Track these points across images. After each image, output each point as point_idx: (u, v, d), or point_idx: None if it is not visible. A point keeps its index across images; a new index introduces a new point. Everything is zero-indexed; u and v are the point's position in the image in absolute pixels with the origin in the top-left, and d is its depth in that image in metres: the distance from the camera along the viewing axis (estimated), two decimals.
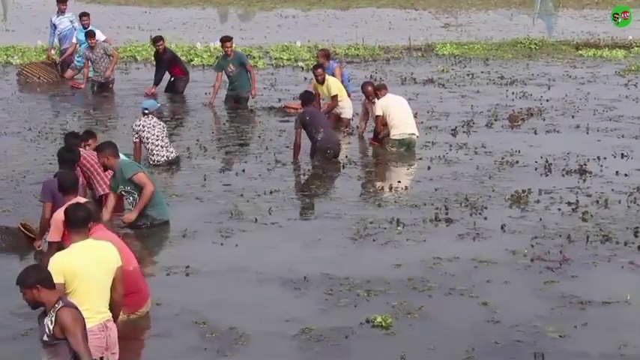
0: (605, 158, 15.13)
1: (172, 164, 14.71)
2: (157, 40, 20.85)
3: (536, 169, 14.58)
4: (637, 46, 27.90)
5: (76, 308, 6.90)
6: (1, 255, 10.95)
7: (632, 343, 8.65)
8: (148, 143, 14.61)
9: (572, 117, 18.48)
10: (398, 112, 15.92)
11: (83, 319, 6.88)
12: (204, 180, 13.90)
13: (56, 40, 22.50)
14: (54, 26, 22.45)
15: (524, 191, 13.15)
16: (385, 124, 15.93)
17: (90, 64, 20.84)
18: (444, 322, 9.12)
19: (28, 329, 8.69)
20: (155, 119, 14.78)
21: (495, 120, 18.09)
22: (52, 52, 22.55)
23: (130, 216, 11.61)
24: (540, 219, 12.12)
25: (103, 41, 21.39)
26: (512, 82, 22.17)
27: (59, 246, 9.28)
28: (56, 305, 6.80)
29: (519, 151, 15.55)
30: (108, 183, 11.98)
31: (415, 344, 8.67)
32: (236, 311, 9.34)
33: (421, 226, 11.88)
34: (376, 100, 16.21)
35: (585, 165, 14.68)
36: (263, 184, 13.71)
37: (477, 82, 22.32)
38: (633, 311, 9.41)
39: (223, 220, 12.10)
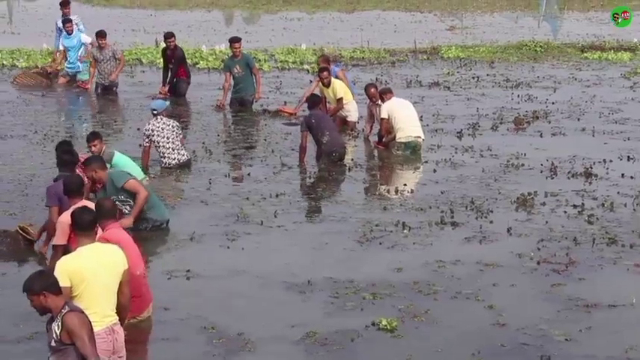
0: (610, 161, 15.12)
1: (184, 167, 14.70)
2: (168, 37, 20.70)
3: (541, 171, 14.58)
4: None
5: (82, 312, 6.90)
6: (3, 258, 10.96)
7: (639, 346, 8.64)
8: (159, 146, 14.60)
9: (578, 119, 18.47)
10: (403, 115, 15.93)
11: (89, 322, 6.87)
12: (210, 183, 13.91)
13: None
14: (59, 30, 22.48)
15: (530, 194, 13.15)
16: (390, 128, 15.93)
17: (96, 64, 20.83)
18: (450, 325, 9.12)
19: (34, 333, 8.70)
20: (165, 119, 14.75)
21: (501, 123, 18.08)
22: (58, 55, 22.57)
23: (126, 222, 11.51)
24: (546, 222, 12.12)
25: (90, 43, 21.46)
26: (517, 85, 22.16)
27: (65, 249, 9.29)
28: (62, 310, 6.80)
29: (525, 154, 15.55)
30: None
31: (421, 347, 8.67)
32: (243, 315, 9.34)
33: (427, 229, 11.88)
34: (381, 103, 16.23)
35: (591, 168, 14.67)
36: (269, 187, 13.71)
37: (482, 84, 22.31)
38: (639, 314, 9.40)
39: (229, 223, 12.11)
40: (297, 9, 40.80)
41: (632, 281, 10.29)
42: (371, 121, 16.94)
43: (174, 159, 14.64)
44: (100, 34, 20.81)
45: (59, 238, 9.75)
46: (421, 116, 16.91)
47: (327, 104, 17.74)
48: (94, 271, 7.56)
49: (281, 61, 25.40)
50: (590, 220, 12.17)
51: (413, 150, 15.81)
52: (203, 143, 16.33)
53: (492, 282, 10.14)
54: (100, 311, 7.52)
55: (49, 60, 23.38)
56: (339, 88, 17.63)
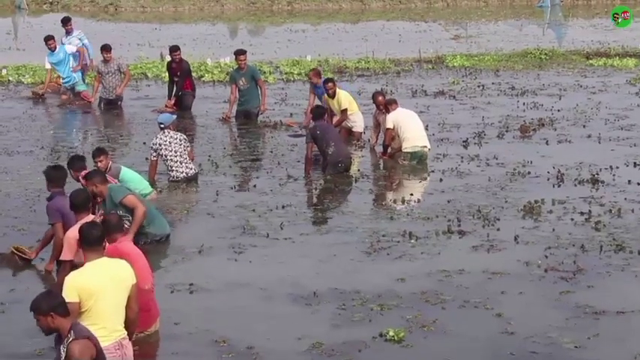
0: (617, 167, 15.11)
1: (191, 180, 14.72)
2: (174, 50, 20.69)
3: (548, 179, 14.57)
4: None
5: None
6: (6, 274, 10.98)
7: None
8: (167, 160, 14.62)
9: (584, 127, 18.46)
10: (409, 125, 15.93)
11: (93, 347, 6.84)
12: (217, 195, 13.92)
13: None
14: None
15: (536, 202, 13.14)
16: (394, 138, 15.94)
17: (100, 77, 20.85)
18: (459, 335, 9.11)
19: (41, 349, 8.71)
20: (172, 133, 14.75)
21: (507, 131, 18.08)
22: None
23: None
24: (553, 229, 12.11)
25: (76, 52, 21.47)
26: (523, 93, 22.16)
27: (72, 264, 9.30)
28: (69, 335, 6.79)
29: (531, 162, 15.54)
30: None
31: (430, 357, 8.67)
32: (251, 328, 9.34)
33: (434, 238, 11.87)
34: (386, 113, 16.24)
35: (597, 174, 14.66)
36: (275, 198, 13.72)
37: (487, 93, 22.32)
38: None
39: (236, 235, 12.11)
40: (301, 20, 40.89)
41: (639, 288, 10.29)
42: (377, 130, 16.93)
43: (182, 172, 14.65)
44: (105, 48, 20.85)
45: (67, 254, 9.73)
46: (427, 125, 16.92)
47: (333, 117, 17.73)
48: (102, 287, 7.57)
49: (286, 73, 25.44)
50: (598, 227, 12.16)
51: (419, 160, 15.81)
52: (209, 156, 16.35)
53: (500, 290, 10.13)
54: (109, 326, 7.54)
55: (55, 75, 23.35)
56: (343, 99, 17.63)
